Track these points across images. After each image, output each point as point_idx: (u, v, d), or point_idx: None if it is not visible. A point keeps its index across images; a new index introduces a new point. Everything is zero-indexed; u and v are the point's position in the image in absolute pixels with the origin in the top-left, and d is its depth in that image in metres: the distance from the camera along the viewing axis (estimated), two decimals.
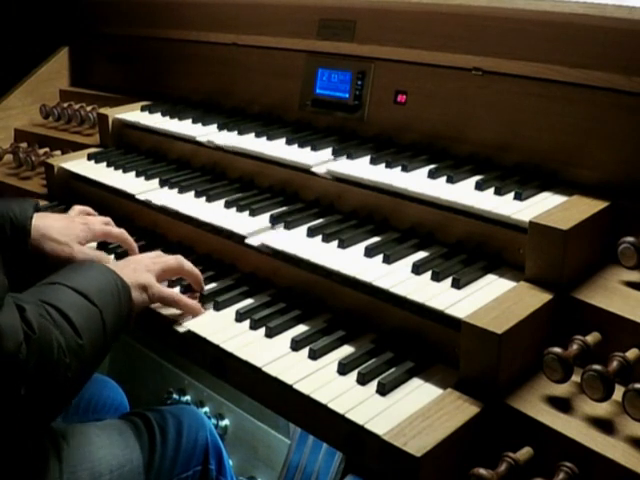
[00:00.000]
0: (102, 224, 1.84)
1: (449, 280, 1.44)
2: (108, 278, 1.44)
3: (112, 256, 1.81)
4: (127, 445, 1.58)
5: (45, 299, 1.29)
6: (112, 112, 2.42)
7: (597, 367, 1.19)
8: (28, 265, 1.71)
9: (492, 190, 1.61)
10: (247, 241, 1.68)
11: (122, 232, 1.84)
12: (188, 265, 1.64)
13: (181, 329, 1.54)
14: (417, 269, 1.48)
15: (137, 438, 1.61)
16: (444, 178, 1.69)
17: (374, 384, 1.31)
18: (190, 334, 1.52)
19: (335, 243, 1.62)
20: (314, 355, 1.41)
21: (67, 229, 1.76)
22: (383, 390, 1.30)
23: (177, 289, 1.65)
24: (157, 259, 1.62)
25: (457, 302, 1.37)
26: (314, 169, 1.82)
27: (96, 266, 1.50)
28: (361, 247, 1.59)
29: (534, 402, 1.26)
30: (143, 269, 1.56)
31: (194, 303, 1.59)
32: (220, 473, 1.74)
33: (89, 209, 1.95)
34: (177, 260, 1.63)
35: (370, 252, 1.56)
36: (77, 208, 1.93)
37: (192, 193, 1.93)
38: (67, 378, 1.25)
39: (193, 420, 1.73)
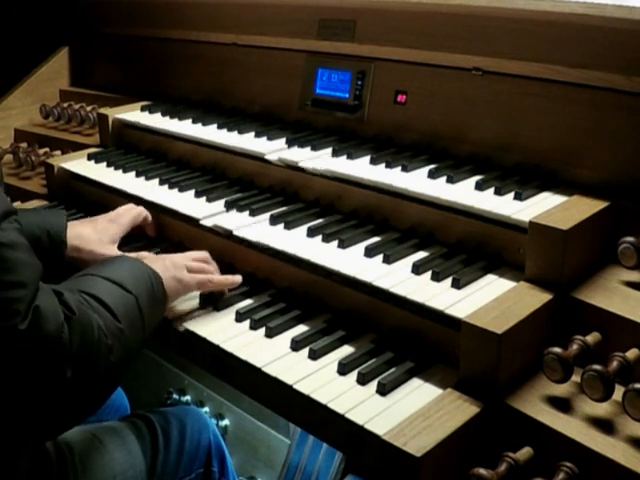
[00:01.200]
0: (126, 213, 1.86)
1: (449, 280, 1.44)
2: (141, 270, 1.45)
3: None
4: (130, 450, 1.57)
5: (80, 288, 1.29)
6: (112, 112, 2.42)
7: (597, 367, 1.19)
8: (64, 276, 1.70)
9: (492, 190, 1.61)
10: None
11: (141, 209, 1.88)
12: (216, 274, 1.64)
13: (181, 329, 1.54)
14: (417, 269, 1.48)
15: (140, 442, 1.60)
16: (444, 178, 1.69)
17: (374, 384, 1.31)
18: (190, 334, 1.52)
19: (335, 243, 1.62)
20: (314, 355, 1.41)
21: (98, 233, 1.77)
22: (383, 390, 1.30)
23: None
24: (189, 258, 1.63)
25: (457, 302, 1.38)
26: (313, 169, 1.83)
27: (128, 260, 1.50)
28: (361, 247, 1.59)
29: (534, 402, 1.26)
30: (175, 263, 1.57)
31: (226, 276, 1.62)
32: (223, 475, 1.74)
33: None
34: (211, 269, 1.65)
35: (370, 252, 1.56)
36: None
37: (192, 193, 1.93)
38: (110, 363, 1.23)
39: (196, 422, 1.72)
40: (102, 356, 1.22)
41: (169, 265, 1.55)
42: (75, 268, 1.70)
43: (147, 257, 1.62)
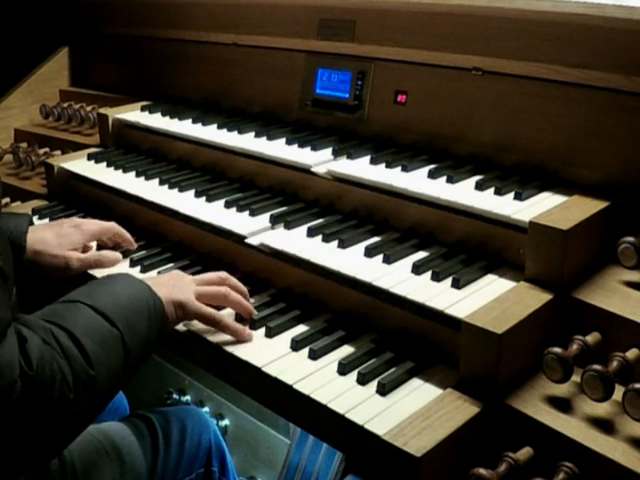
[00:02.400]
0: (95, 222, 1.80)
1: (449, 280, 1.44)
2: (139, 298, 1.33)
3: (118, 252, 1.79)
4: (130, 452, 1.56)
5: (58, 321, 1.19)
6: (112, 112, 2.42)
7: (597, 367, 1.19)
8: (27, 281, 1.63)
9: (492, 190, 1.61)
10: (247, 241, 1.68)
11: (113, 224, 1.80)
12: (233, 295, 1.51)
13: (181, 329, 1.54)
14: (417, 269, 1.48)
15: (140, 443, 1.59)
16: (444, 178, 1.69)
17: (374, 384, 1.31)
18: (190, 334, 1.52)
19: (335, 243, 1.62)
20: (314, 355, 1.41)
21: (59, 237, 1.70)
22: (383, 390, 1.30)
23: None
24: (202, 281, 1.52)
25: (457, 302, 1.37)
26: (314, 169, 1.82)
27: (128, 281, 1.37)
28: (361, 247, 1.59)
29: (534, 402, 1.26)
30: (183, 285, 1.46)
31: (238, 326, 1.47)
32: (223, 474, 1.73)
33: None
34: (224, 290, 1.51)
35: (370, 252, 1.56)
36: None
37: (192, 193, 1.93)
38: (73, 413, 1.14)
39: (197, 422, 1.71)
40: (61, 411, 1.13)
41: (177, 286, 1.44)
42: (35, 271, 1.66)
43: (156, 277, 1.50)
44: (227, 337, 1.48)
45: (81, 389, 1.15)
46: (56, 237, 1.70)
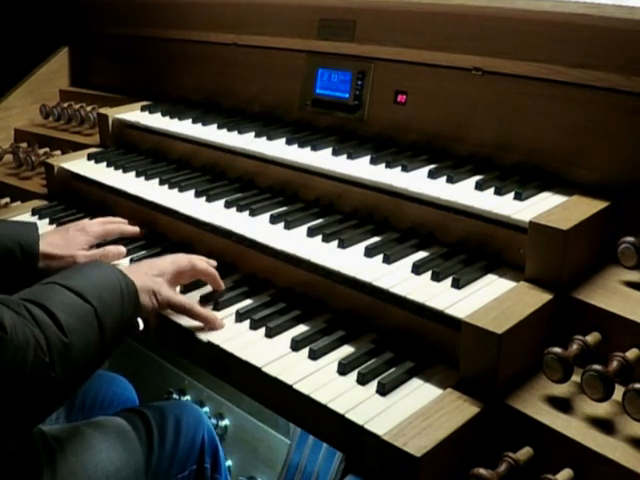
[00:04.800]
0: (99, 224, 1.86)
1: (449, 280, 1.44)
2: (111, 278, 1.41)
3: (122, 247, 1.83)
4: (125, 449, 1.56)
5: (31, 298, 1.26)
6: (112, 112, 2.42)
7: (597, 367, 1.19)
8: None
9: (492, 190, 1.61)
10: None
11: (118, 226, 1.88)
12: (201, 264, 1.61)
13: (181, 328, 1.53)
14: (417, 269, 1.48)
15: (136, 439, 1.59)
16: (444, 178, 1.69)
17: (374, 384, 1.31)
18: (189, 334, 1.52)
19: (335, 243, 1.62)
20: (314, 355, 1.41)
21: (66, 241, 1.77)
22: (383, 390, 1.30)
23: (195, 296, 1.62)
24: (173, 261, 1.59)
25: (457, 302, 1.37)
26: (314, 169, 1.82)
27: (100, 266, 1.46)
28: (361, 247, 1.59)
29: (534, 402, 1.26)
30: (155, 272, 1.53)
31: (208, 313, 1.53)
32: (215, 471, 1.74)
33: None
34: (189, 261, 1.60)
35: (370, 252, 1.56)
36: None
37: (192, 193, 1.93)
38: (50, 378, 1.20)
39: (192, 417, 1.72)
40: (38, 374, 1.18)
41: (149, 275, 1.51)
42: (46, 276, 1.70)
43: (130, 265, 1.59)
44: (227, 336, 1.48)
45: (55, 354, 1.21)
46: (63, 240, 1.77)
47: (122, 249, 1.82)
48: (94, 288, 1.35)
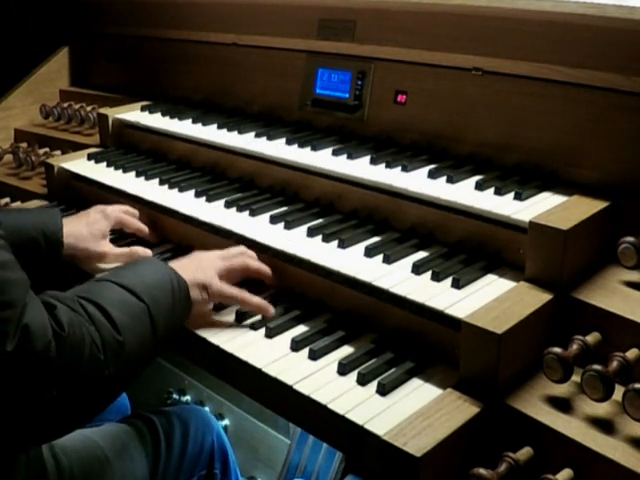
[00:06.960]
0: (119, 211, 1.88)
1: (449, 280, 1.44)
2: (162, 274, 1.41)
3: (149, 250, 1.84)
4: (131, 457, 1.55)
5: (85, 295, 1.26)
6: (112, 112, 2.42)
7: (597, 367, 1.19)
8: (64, 273, 1.71)
9: (492, 190, 1.61)
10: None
11: (136, 222, 1.90)
12: (255, 264, 1.61)
13: (180, 328, 1.53)
14: (417, 269, 1.48)
15: (141, 446, 1.57)
16: (444, 178, 1.69)
17: (374, 384, 1.31)
18: (190, 334, 1.52)
19: (335, 243, 1.62)
20: (314, 355, 1.41)
21: (89, 226, 1.78)
22: (383, 390, 1.30)
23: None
24: (225, 257, 1.58)
25: (457, 302, 1.37)
26: (314, 169, 1.82)
27: (151, 262, 1.48)
28: (361, 247, 1.59)
29: (534, 402, 1.26)
30: (206, 267, 1.52)
31: (261, 301, 1.53)
32: (225, 476, 1.71)
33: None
34: (243, 261, 1.59)
35: (370, 252, 1.56)
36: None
37: (192, 193, 1.93)
38: (104, 376, 1.20)
39: (200, 422, 1.70)
40: (93, 372, 1.18)
41: (199, 269, 1.50)
42: (71, 266, 1.72)
43: (178, 261, 1.56)
44: (227, 337, 1.48)
45: (110, 352, 1.21)
46: (87, 226, 1.79)
47: (148, 251, 1.82)
48: (147, 286, 1.35)
